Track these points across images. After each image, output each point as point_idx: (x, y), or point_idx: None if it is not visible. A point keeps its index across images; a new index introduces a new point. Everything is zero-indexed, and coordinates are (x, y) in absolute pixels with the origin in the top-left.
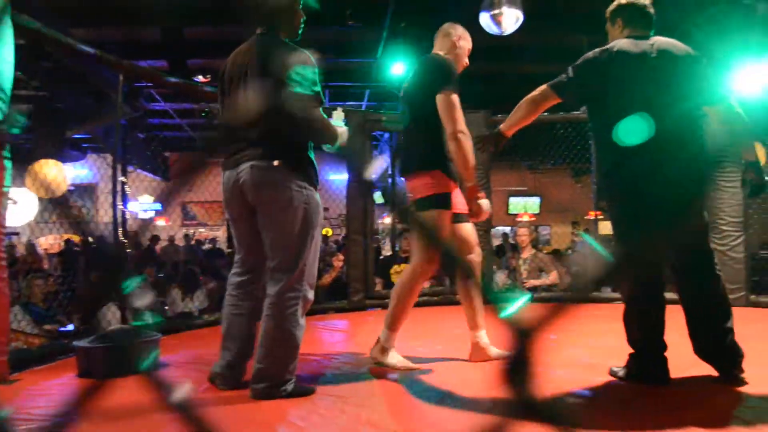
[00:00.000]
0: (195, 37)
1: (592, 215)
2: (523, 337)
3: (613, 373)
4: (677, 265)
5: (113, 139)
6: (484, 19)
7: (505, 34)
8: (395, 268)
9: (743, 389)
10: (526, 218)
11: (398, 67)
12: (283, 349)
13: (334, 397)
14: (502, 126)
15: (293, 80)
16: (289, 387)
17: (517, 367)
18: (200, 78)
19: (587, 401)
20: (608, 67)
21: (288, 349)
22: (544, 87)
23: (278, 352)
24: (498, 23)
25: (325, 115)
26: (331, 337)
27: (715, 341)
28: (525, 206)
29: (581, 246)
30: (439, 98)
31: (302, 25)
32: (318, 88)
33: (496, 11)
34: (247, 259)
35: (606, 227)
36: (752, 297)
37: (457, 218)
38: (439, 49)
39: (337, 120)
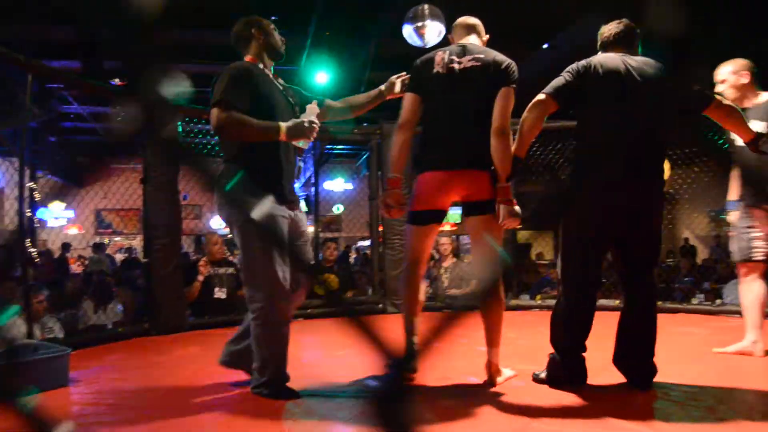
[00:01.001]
0: (112, 39)
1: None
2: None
3: (535, 377)
4: (625, 278)
5: (21, 143)
6: (407, 31)
7: (427, 47)
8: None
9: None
10: (447, 227)
11: (321, 76)
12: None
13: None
14: (513, 148)
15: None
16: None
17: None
18: (117, 81)
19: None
20: (591, 77)
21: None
22: (540, 95)
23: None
24: (421, 36)
25: (240, 116)
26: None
27: (639, 358)
28: (447, 216)
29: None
30: (508, 91)
31: (274, 47)
32: (221, 95)
33: (420, 24)
34: None
35: (524, 236)
36: (659, 303)
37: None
38: (475, 41)
39: (309, 114)
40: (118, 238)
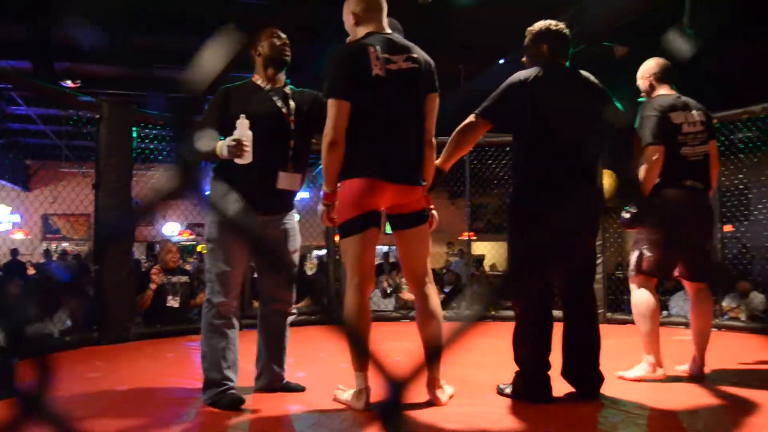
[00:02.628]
0: (64, 38)
1: (465, 236)
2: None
3: (500, 391)
4: (566, 293)
5: None
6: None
7: None
8: None
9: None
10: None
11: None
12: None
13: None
14: (438, 161)
15: None
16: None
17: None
18: (69, 83)
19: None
20: (525, 94)
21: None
22: (471, 116)
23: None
24: None
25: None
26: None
27: (584, 369)
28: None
29: (455, 266)
30: (436, 97)
31: (273, 59)
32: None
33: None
34: None
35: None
36: (609, 314)
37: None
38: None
39: (240, 128)
40: (66, 244)
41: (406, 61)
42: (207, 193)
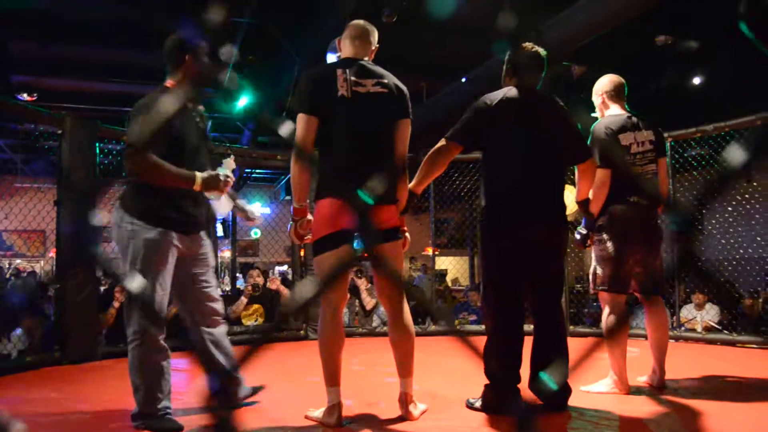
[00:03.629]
0: (22, 52)
1: (429, 251)
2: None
3: (469, 405)
4: (535, 307)
5: None
6: (331, 60)
7: None
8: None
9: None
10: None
11: (242, 100)
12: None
13: None
14: (411, 184)
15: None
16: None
17: None
18: (25, 96)
19: None
20: (491, 115)
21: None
22: (442, 140)
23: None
24: None
25: (156, 161)
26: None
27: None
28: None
29: (418, 281)
30: (407, 123)
31: (202, 77)
32: (136, 139)
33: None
34: None
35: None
36: (571, 327)
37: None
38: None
39: (225, 168)
40: (19, 261)
41: (375, 85)
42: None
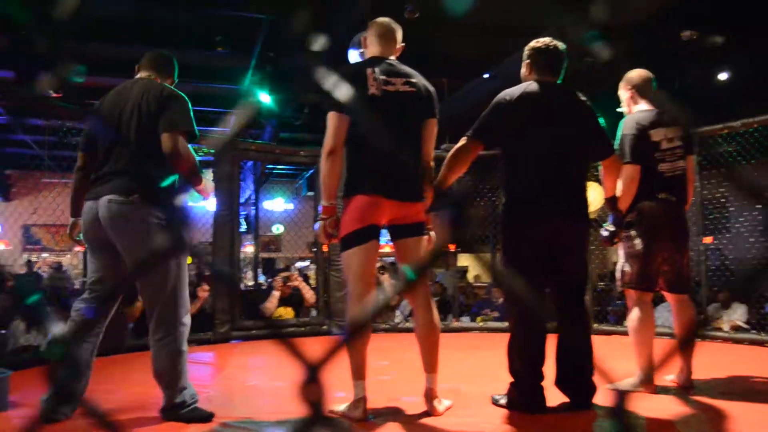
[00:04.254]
0: (48, 49)
1: (451, 248)
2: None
3: (494, 401)
4: (559, 304)
5: None
6: (353, 57)
7: None
8: (280, 310)
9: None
10: (387, 249)
11: (264, 96)
12: (175, 375)
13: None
14: (435, 183)
15: (168, 120)
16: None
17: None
18: (51, 93)
19: (474, 429)
20: (512, 112)
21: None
22: (463, 139)
23: (173, 378)
24: None
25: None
26: (196, 370)
27: (578, 378)
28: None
29: (441, 277)
30: (435, 123)
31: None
32: (191, 127)
33: (364, 50)
34: (98, 288)
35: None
36: (595, 325)
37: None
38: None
39: (206, 178)
40: (46, 255)
41: (404, 84)
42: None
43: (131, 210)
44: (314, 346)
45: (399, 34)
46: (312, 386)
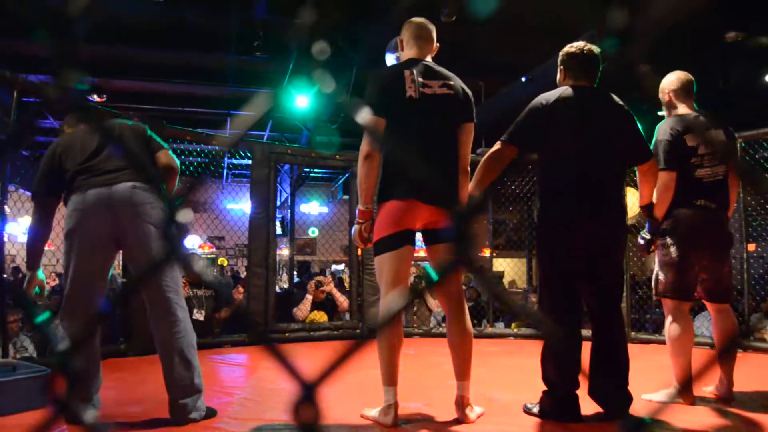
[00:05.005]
0: (89, 55)
1: (486, 253)
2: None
3: (527, 410)
4: (594, 311)
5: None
6: (390, 61)
7: None
8: (314, 314)
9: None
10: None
11: (302, 99)
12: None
13: None
14: (470, 188)
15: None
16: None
17: None
18: (95, 97)
19: None
20: (548, 116)
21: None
22: (498, 143)
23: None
24: None
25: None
26: (231, 372)
27: (613, 387)
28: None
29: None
30: (472, 127)
31: None
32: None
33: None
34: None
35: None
36: (633, 334)
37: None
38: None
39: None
40: None
41: (441, 87)
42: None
43: (153, 197)
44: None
45: (434, 34)
46: (307, 406)
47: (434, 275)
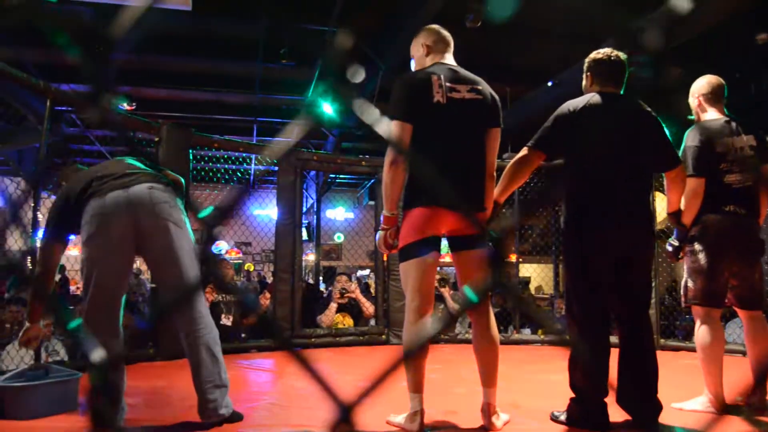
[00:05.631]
0: (120, 63)
1: (512, 258)
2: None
3: (554, 418)
4: (622, 318)
5: (29, 164)
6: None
7: None
8: (338, 317)
9: None
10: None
11: (327, 107)
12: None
13: None
14: (495, 194)
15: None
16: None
17: None
18: (125, 106)
19: None
20: (575, 123)
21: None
22: (524, 149)
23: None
24: None
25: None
26: (257, 376)
27: (641, 397)
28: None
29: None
30: (498, 133)
31: None
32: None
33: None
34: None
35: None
36: (662, 341)
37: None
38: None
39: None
40: None
41: (470, 92)
42: None
43: (173, 197)
44: (373, 356)
45: (450, 41)
46: (344, 426)
47: (473, 297)
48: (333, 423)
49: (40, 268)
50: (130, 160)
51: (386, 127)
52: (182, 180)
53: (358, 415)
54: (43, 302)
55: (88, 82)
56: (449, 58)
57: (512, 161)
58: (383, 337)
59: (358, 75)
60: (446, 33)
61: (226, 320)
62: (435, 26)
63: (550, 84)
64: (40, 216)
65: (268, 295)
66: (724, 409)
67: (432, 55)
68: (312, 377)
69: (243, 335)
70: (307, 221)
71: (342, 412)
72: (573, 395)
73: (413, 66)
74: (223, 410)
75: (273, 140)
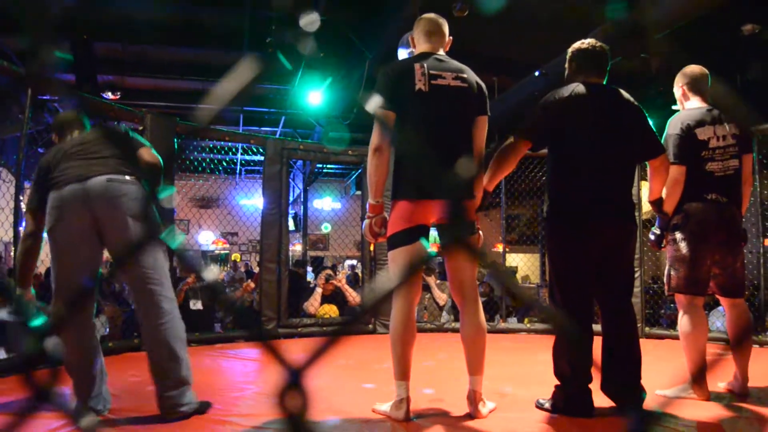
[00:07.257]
0: (105, 52)
1: (499, 248)
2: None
3: (539, 405)
4: (605, 306)
5: (9, 154)
6: (402, 56)
7: None
8: (325, 308)
9: None
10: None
11: (314, 96)
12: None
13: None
14: (484, 183)
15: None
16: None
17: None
18: (109, 95)
19: None
20: (560, 112)
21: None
22: (510, 138)
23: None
24: None
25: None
26: (243, 367)
27: (625, 383)
28: (435, 237)
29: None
30: (485, 120)
31: None
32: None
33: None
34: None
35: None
36: (647, 329)
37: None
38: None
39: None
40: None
41: (455, 79)
42: None
43: (132, 189)
44: (360, 345)
45: (446, 28)
46: (293, 393)
47: (427, 245)
48: (282, 388)
49: (26, 234)
50: (98, 133)
51: (376, 102)
52: (160, 160)
53: (308, 380)
54: (32, 268)
55: (27, 34)
56: (436, 48)
57: (499, 150)
58: (370, 326)
59: (313, 24)
60: (438, 22)
61: (197, 305)
62: (426, 16)
63: (537, 73)
64: (23, 206)
65: (252, 284)
66: (706, 396)
67: (419, 46)
68: (270, 353)
69: (227, 324)
70: (294, 211)
71: (291, 375)
72: (558, 383)
73: (400, 55)
74: (184, 408)
75: (261, 130)
